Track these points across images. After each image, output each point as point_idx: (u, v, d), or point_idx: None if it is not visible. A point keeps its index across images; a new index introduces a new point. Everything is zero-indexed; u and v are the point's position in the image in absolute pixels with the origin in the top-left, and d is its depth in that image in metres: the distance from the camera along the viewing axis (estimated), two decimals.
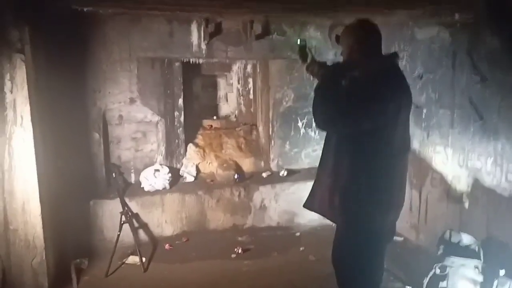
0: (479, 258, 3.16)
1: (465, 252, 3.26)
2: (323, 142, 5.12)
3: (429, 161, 4.11)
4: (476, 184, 3.55)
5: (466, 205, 3.66)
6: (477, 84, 3.45)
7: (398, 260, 3.94)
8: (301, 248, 4.25)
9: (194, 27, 4.41)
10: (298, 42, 2.70)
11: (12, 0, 2.98)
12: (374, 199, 2.18)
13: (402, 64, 4.29)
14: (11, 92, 2.99)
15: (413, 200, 4.34)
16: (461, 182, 3.72)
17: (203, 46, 4.48)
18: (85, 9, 3.77)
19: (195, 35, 4.44)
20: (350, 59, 2.28)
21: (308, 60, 2.69)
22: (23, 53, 3.02)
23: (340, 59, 2.51)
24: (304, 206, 2.52)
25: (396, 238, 4.46)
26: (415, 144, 4.26)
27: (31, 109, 3.05)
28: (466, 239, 3.36)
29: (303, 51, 2.65)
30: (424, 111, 4.09)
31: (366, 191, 2.16)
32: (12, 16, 2.99)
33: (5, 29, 2.97)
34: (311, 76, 2.84)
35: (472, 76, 3.50)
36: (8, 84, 2.98)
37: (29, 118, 3.04)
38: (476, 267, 3.08)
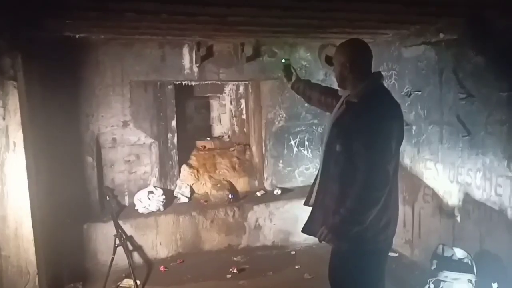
0: (472, 272, 3.19)
1: (458, 266, 3.29)
2: (316, 160, 5.25)
3: (420, 177, 4.15)
4: (467, 199, 3.59)
5: (458, 219, 3.70)
6: (464, 100, 3.52)
7: (394, 276, 3.94)
8: (296, 267, 4.25)
9: (186, 51, 4.50)
10: (283, 61, 2.78)
11: (4, 27, 3.03)
12: (379, 219, 2.16)
13: (391, 82, 4.39)
14: (4, 118, 3.03)
15: (406, 216, 4.36)
16: (452, 196, 3.76)
17: (195, 69, 4.56)
18: (77, 36, 3.83)
19: (187, 58, 4.52)
20: (342, 77, 2.32)
21: (293, 79, 2.77)
22: (15, 80, 3.08)
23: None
24: (303, 231, 2.44)
25: (391, 254, 4.48)
26: (406, 160, 4.31)
27: (24, 135, 3.09)
28: (459, 253, 3.39)
29: (287, 69, 2.75)
30: (414, 128, 4.16)
31: (372, 213, 2.10)
32: (5, 43, 3.04)
33: None
34: (298, 95, 2.92)
35: (458, 93, 3.58)
36: (0, 111, 3.03)
37: (22, 144, 3.08)
38: (470, 281, 3.10)
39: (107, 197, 4.40)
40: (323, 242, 2.25)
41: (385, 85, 4.39)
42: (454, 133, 3.67)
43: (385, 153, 2.08)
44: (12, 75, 3.04)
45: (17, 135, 3.06)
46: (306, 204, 2.52)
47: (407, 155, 4.30)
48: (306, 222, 2.43)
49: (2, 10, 2.88)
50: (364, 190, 2.07)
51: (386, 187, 2.09)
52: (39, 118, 3.49)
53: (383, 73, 4.46)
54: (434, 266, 3.38)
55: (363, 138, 2.08)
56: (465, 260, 3.30)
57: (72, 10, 2.98)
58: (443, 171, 3.85)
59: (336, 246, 2.29)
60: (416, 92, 4.10)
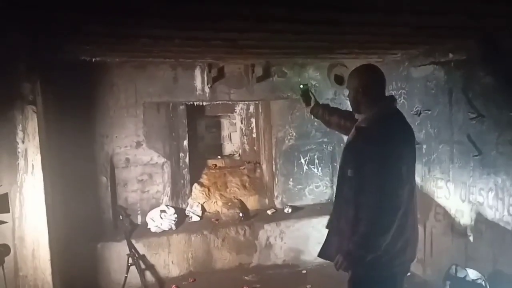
0: None
1: (472, 287, 3.26)
2: (326, 178, 5.26)
3: (431, 196, 4.15)
4: (480, 218, 3.58)
5: (471, 238, 3.68)
6: (474, 120, 3.54)
7: None
8: (307, 286, 4.23)
9: (197, 72, 4.59)
10: (301, 87, 2.83)
11: (24, 54, 3.14)
12: (395, 244, 2.16)
13: (400, 101, 4.43)
14: (23, 142, 3.11)
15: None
16: (464, 216, 3.75)
17: (207, 90, 4.65)
18: (93, 59, 3.94)
19: (199, 80, 4.61)
20: (356, 102, 2.36)
21: (312, 103, 2.80)
22: (34, 104, 3.17)
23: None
24: (320, 255, 2.44)
25: None
26: (416, 179, 4.27)
27: (41, 158, 3.17)
28: (472, 274, 3.36)
29: (306, 94, 2.78)
30: (424, 146, 4.18)
31: (386, 238, 2.10)
32: (24, 69, 3.15)
33: (17, 82, 3.13)
34: (317, 119, 2.95)
35: (468, 112, 3.60)
36: (20, 134, 3.11)
37: (40, 166, 3.16)
38: None
39: (121, 216, 4.46)
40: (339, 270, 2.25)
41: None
42: (464, 152, 3.68)
43: (395, 178, 2.09)
44: (31, 99, 3.13)
45: (35, 158, 3.14)
46: (327, 227, 2.49)
47: (418, 173, 4.27)
48: (322, 246, 2.43)
49: (22, 37, 2.99)
50: (375, 215, 2.08)
51: (398, 211, 2.09)
52: (56, 139, 3.58)
53: (392, 93, 4.55)
54: (447, 287, 3.37)
55: (372, 163, 2.10)
56: (479, 281, 3.28)
57: (89, 35, 3.08)
58: (454, 190, 3.85)
59: (352, 273, 2.29)
60: (425, 112, 4.13)
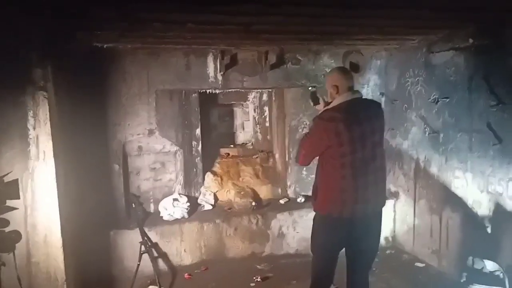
0: (504, 286, 3.12)
1: (489, 279, 3.20)
2: None
3: (448, 186, 4.05)
4: (498, 209, 3.49)
5: (489, 230, 3.59)
6: (495, 108, 3.43)
7: (420, 286, 3.88)
8: None
9: (210, 59, 4.52)
10: (310, 89, 3.20)
11: (36, 40, 3.12)
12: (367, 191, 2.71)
13: (417, 89, 4.32)
14: (34, 128, 3.10)
15: (433, 226, 4.27)
16: (482, 207, 3.66)
17: (220, 77, 4.58)
18: (105, 46, 3.91)
19: (212, 67, 4.54)
20: (331, 97, 2.80)
21: (321, 102, 2.97)
22: (45, 91, 3.14)
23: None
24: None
25: (417, 264, 4.40)
26: (433, 169, 4.23)
27: (53, 145, 3.16)
28: (490, 265, 3.29)
29: (314, 96, 3.06)
30: (442, 135, 4.08)
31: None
32: (36, 55, 3.12)
33: (28, 68, 3.10)
34: None
35: (489, 100, 3.48)
36: (31, 120, 3.10)
37: (51, 153, 3.14)
38: None
39: (133, 204, 4.46)
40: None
41: (412, 91, 4.38)
42: (484, 141, 3.58)
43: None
44: (42, 85, 3.11)
45: (47, 145, 3.12)
46: None
47: (434, 163, 4.21)
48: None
49: (35, 23, 2.97)
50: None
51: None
52: (68, 127, 3.56)
53: (409, 80, 4.47)
54: (463, 279, 3.30)
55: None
56: (497, 273, 3.20)
57: (102, 21, 3.05)
58: (472, 180, 3.75)
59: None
60: (444, 99, 4.01)
